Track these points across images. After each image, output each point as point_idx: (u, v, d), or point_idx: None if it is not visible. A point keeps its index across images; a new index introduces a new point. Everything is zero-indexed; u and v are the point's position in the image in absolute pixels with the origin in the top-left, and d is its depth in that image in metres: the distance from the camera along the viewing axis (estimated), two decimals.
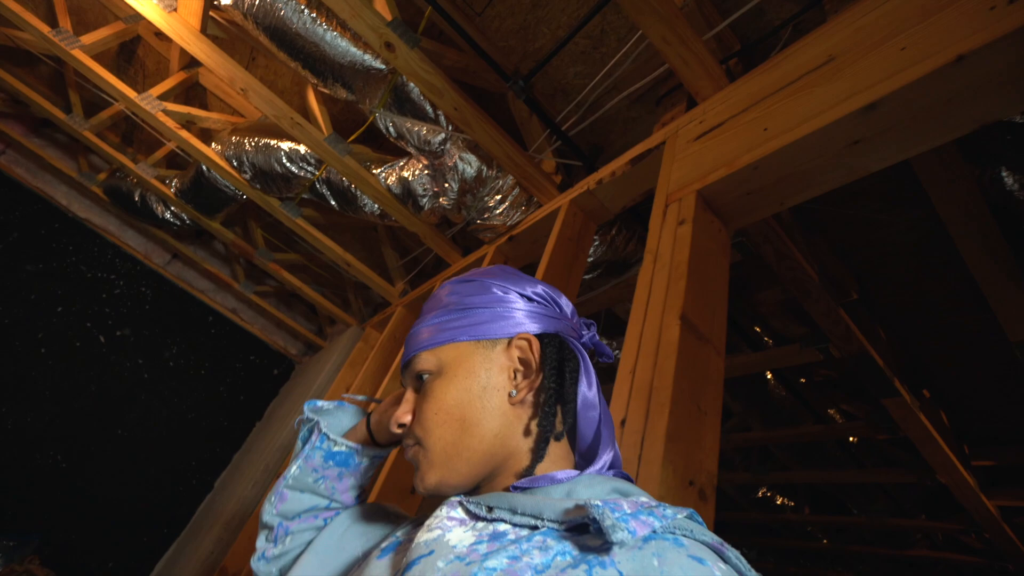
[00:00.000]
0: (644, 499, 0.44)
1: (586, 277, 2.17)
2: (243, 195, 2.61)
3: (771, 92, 1.19)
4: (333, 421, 0.69)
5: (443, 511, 0.50)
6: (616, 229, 2.04)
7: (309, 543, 0.62)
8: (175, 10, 1.92)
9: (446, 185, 2.11)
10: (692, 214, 1.15)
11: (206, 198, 2.66)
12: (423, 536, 0.47)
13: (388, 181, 2.25)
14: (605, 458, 0.53)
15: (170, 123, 2.35)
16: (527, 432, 0.54)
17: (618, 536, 0.36)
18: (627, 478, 0.53)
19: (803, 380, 2.77)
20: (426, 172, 2.15)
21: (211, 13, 1.96)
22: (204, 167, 2.54)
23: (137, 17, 2.47)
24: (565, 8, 1.87)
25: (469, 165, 2.02)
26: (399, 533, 0.57)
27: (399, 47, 1.68)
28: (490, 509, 0.47)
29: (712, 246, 1.17)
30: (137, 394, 2.98)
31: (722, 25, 1.48)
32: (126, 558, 2.94)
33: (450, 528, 0.46)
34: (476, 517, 0.48)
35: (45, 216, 2.99)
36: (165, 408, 3.08)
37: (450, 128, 1.97)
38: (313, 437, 0.67)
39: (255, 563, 0.64)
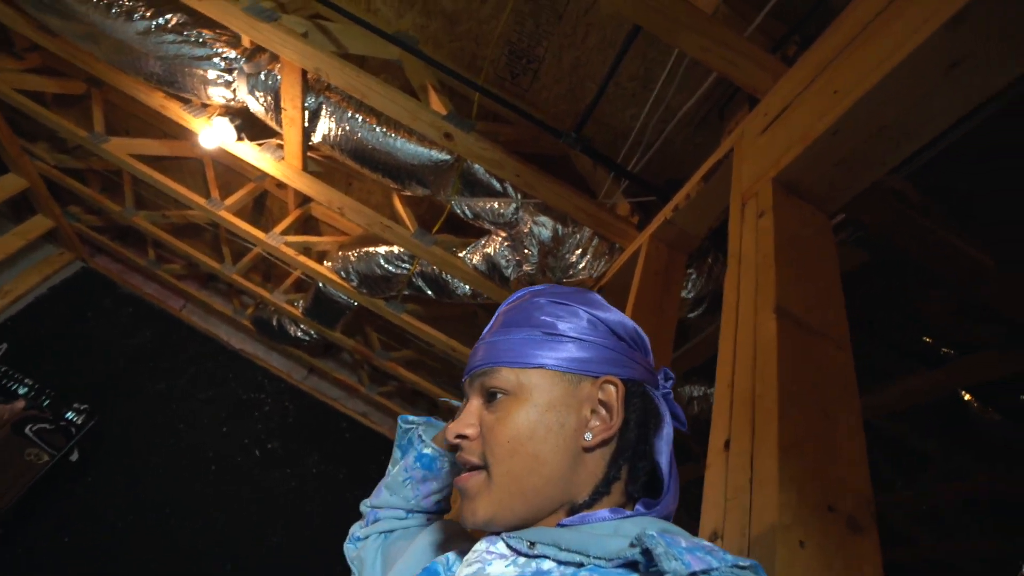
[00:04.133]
0: (706, 543, 0.40)
1: (691, 316, 1.98)
2: (354, 302, 2.87)
3: (836, 54, 1.06)
4: (429, 429, 0.73)
5: (482, 545, 0.48)
6: (712, 257, 1.87)
7: (387, 537, 0.67)
8: (283, 158, 2.30)
9: (526, 251, 2.13)
10: (771, 202, 1.01)
11: (325, 311, 2.97)
12: (463, 571, 0.46)
13: (473, 261, 2.34)
14: (665, 509, 0.50)
15: (291, 252, 2.73)
16: (590, 478, 0.50)
17: (671, 565, 0.34)
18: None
19: None
20: (506, 244, 2.20)
21: (308, 154, 2.32)
22: (321, 284, 2.87)
23: (263, 176, 3.01)
24: (605, 60, 1.90)
25: (544, 227, 2.03)
26: (450, 556, 0.55)
27: (456, 134, 1.82)
28: (532, 544, 0.44)
29: (806, 232, 1.00)
30: (286, 501, 3.21)
31: (760, 17, 1.39)
32: None
33: (490, 562, 0.45)
34: (517, 552, 0.45)
35: (212, 352, 3.58)
36: (311, 514, 3.26)
37: (519, 196, 2.02)
38: (413, 440, 0.72)
39: (345, 546, 0.69)
